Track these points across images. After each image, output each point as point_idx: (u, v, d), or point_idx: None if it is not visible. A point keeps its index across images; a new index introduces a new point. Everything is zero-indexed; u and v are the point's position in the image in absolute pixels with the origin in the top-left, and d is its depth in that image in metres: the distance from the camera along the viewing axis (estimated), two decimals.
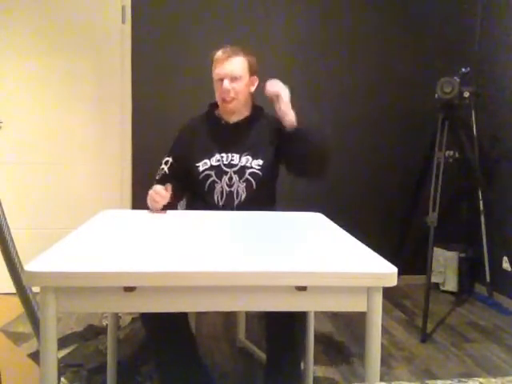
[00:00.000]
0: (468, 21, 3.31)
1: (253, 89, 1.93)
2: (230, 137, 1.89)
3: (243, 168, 1.84)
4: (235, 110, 1.89)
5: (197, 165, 1.86)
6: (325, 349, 2.34)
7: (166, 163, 1.92)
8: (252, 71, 1.89)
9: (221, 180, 1.84)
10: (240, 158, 1.86)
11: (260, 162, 1.86)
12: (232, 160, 1.86)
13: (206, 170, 1.86)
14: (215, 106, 1.97)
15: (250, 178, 1.84)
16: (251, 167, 1.85)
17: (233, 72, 1.82)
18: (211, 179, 1.85)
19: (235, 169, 1.85)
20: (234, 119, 1.92)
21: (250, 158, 1.86)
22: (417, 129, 3.34)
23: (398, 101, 3.32)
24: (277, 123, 1.85)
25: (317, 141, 1.79)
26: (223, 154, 1.86)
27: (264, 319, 1.75)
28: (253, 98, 1.96)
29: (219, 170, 1.85)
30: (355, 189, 3.34)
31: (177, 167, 1.91)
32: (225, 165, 1.85)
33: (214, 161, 1.86)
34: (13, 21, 2.92)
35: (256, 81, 1.93)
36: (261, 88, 1.89)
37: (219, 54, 1.85)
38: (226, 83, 1.82)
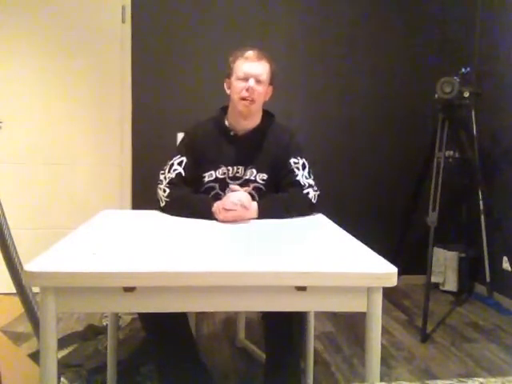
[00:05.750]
0: (468, 21, 3.31)
1: (267, 98, 1.87)
2: (238, 150, 1.83)
3: (247, 181, 1.80)
4: (252, 111, 1.81)
5: (203, 175, 1.81)
6: (325, 349, 2.35)
7: (179, 164, 1.80)
8: (271, 80, 1.84)
9: (224, 192, 1.79)
10: (245, 170, 1.81)
11: (265, 176, 1.82)
12: (237, 173, 1.82)
13: (210, 181, 1.82)
14: (226, 111, 1.89)
15: (253, 192, 1.80)
16: (255, 181, 1.81)
17: (261, 75, 1.77)
18: (214, 191, 1.81)
19: (239, 182, 1.81)
20: (243, 128, 1.84)
21: (254, 171, 1.81)
22: (417, 129, 3.34)
23: (398, 101, 3.33)
24: (286, 146, 1.82)
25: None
26: (229, 167, 1.81)
27: (263, 319, 1.75)
28: (263, 107, 1.90)
29: (223, 183, 1.81)
30: (355, 189, 3.34)
31: (191, 170, 1.81)
32: (230, 177, 1.81)
33: (219, 173, 1.81)
34: (12, 20, 2.92)
35: (271, 91, 1.87)
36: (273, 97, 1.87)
37: (250, 52, 1.79)
38: (252, 82, 1.75)
